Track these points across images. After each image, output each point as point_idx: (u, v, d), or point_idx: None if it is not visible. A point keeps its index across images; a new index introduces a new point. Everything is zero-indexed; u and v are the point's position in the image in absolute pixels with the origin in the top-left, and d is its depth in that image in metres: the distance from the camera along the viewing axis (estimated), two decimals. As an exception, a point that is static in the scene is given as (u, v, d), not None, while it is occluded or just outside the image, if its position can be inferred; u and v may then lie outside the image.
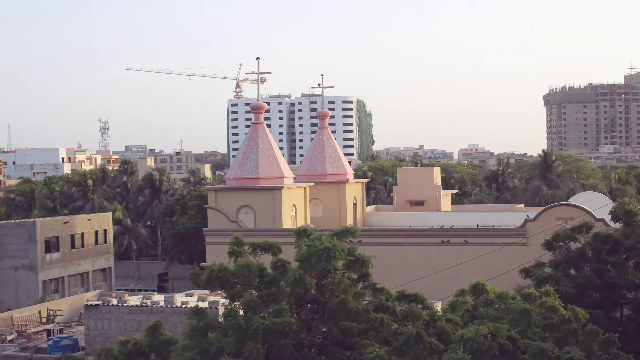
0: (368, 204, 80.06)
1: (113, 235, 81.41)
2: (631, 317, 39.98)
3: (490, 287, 30.08)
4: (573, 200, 62.94)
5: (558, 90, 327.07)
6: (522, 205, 76.08)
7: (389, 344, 26.50)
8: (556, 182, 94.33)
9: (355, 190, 68.56)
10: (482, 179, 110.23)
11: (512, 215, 64.42)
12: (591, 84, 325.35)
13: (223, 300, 37.11)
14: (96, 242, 76.59)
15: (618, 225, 42.04)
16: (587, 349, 27.50)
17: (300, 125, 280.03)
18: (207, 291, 45.71)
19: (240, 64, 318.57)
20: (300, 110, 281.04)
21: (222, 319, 27.14)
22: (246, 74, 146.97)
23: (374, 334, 27.33)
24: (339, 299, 27.22)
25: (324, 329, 27.93)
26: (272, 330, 25.78)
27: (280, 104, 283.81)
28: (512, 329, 26.46)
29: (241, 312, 27.18)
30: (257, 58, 64.03)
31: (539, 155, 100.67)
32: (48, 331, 49.13)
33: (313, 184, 64.87)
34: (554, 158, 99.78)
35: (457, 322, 27.98)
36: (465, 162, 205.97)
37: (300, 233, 28.51)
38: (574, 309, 28.55)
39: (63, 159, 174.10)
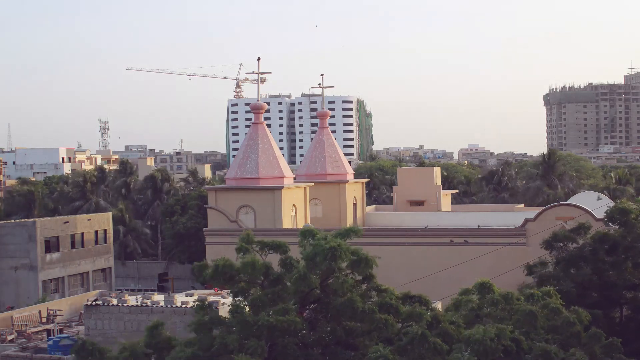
0: (368, 204, 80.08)
1: (116, 234, 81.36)
2: (630, 316, 40.03)
3: (496, 287, 30.08)
4: (573, 200, 62.96)
5: (558, 90, 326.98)
6: (522, 205, 76.10)
7: (392, 344, 26.50)
8: (556, 182, 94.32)
9: (355, 190, 68.57)
10: (480, 179, 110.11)
11: (512, 215, 64.45)
12: (591, 83, 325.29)
13: (223, 300, 37.21)
14: (96, 242, 76.60)
15: (615, 226, 42.06)
16: (589, 351, 27.47)
17: (300, 125, 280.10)
18: (207, 291, 45.92)
19: (240, 64, 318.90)
20: (300, 110, 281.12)
21: (229, 315, 27.20)
22: (246, 73, 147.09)
23: (378, 334, 27.32)
24: (344, 298, 27.24)
25: (328, 329, 27.95)
26: (277, 328, 25.83)
27: (280, 103, 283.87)
28: (517, 330, 26.43)
29: (247, 309, 27.26)
30: (258, 58, 64.17)
31: (543, 155, 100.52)
32: (48, 331, 49.14)
33: (313, 184, 64.88)
34: (557, 158, 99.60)
35: (460, 325, 27.98)
36: (466, 162, 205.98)
37: (305, 233, 28.55)
38: (576, 310, 28.51)
39: (63, 159, 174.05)
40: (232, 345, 25.87)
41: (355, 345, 27.78)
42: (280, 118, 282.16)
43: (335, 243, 26.94)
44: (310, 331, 27.85)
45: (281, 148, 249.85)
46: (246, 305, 27.46)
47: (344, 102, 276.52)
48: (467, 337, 24.71)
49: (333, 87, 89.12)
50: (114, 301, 42.18)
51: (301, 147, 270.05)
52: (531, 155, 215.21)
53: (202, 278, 29.50)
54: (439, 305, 33.87)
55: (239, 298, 27.94)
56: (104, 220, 78.53)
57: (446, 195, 74.87)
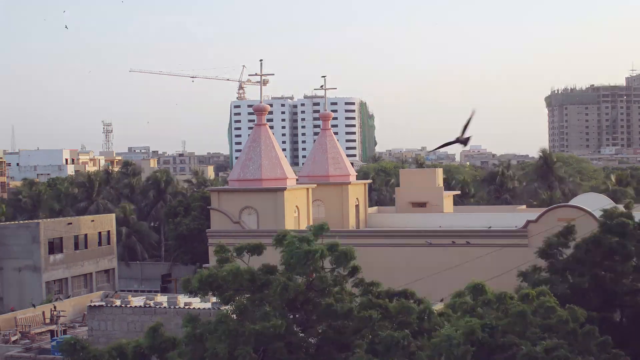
0: (370, 205, 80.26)
1: (120, 235, 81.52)
2: (630, 320, 40.00)
3: (489, 287, 30.16)
4: (575, 201, 63.07)
5: (560, 92, 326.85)
6: (524, 206, 76.24)
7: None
8: (556, 184, 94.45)
9: (357, 191, 68.76)
10: (481, 181, 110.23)
11: (513, 217, 64.58)
12: (593, 85, 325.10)
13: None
14: (100, 243, 76.83)
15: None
16: (585, 349, 27.56)
17: (303, 127, 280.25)
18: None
19: (243, 65, 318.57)
20: (302, 112, 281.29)
21: (215, 324, 27.30)
22: (249, 75, 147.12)
23: (369, 332, 27.41)
24: (325, 304, 27.45)
25: (319, 330, 28.14)
26: (264, 335, 25.98)
27: (283, 105, 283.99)
28: (510, 329, 26.55)
29: (234, 317, 27.39)
30: (260, 60, 64.27)
31: (539, 156, 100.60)
32: (51, 332, 49.38)
33: (315, 185, 65.07)
34: (554, 159, 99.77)
35: (450, 315, 28.09)
36: (468, 163, 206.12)
37: (279, 239, 28.65)
38: (572, 308, 28.60)
39: (66, 160, 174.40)
40: (222, 353, 26.07)
41: (347, 345, 27.89)
42: (283, 120, 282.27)
43: (308, 247, 27.16)
44: (303, 332, 28.01)
45: (284, 149, 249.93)
46: (232, 313, 27.56)
47: (346, 103, 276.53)
48: (433, 345, 24.83)
49: (335, 88, 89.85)
50: (118, 302, 42.40)
51: (304, 149, 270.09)
52: (533, 157, 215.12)
53: (188, 290, 29.34)
54: (440, 306, 33.99)
55: (226, 307, 28.05)
56: (108, 222, 78.77)
57: (448, 197, 75.05)
